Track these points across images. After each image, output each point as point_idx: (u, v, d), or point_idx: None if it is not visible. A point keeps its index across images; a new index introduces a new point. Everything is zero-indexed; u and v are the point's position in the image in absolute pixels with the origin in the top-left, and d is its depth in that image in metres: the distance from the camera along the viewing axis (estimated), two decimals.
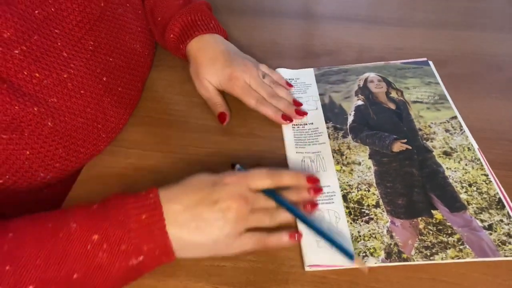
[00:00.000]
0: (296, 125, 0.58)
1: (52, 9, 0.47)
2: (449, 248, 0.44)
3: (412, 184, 0.50)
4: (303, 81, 0.65)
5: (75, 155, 0.50)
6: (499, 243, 0.45)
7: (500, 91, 0.63)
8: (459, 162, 0.52)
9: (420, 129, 0.56)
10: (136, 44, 0.60)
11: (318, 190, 0.48)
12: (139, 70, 0.61)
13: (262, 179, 0.45)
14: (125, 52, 0.58)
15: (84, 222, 0.39)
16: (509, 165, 0.53)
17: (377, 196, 0.49)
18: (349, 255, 0.43)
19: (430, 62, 0.66)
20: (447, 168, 0.52)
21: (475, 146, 0.54)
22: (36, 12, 0.45)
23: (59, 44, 0.47)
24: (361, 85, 0.63)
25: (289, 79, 0.64)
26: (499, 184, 0.50)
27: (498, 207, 0.48)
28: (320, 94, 0.62)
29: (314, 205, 0.47)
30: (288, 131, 0.57)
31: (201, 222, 0.41)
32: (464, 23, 0.76)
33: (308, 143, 0.56)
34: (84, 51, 0.50)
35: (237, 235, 0.42)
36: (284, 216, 0.46)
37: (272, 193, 0.46)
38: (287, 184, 0.47)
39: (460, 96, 0.61)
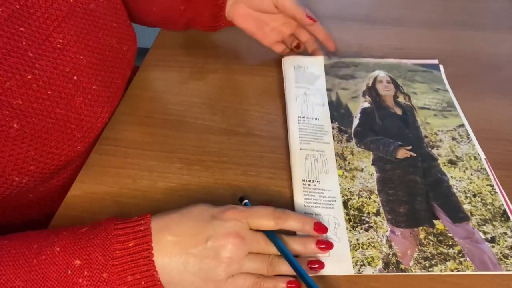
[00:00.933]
0: (302, 118, 0.57)
1: (17, 6, 0.43)
2: (449, 260, 0.44)
3: (415, 192, 0.49)
4: (312, 71, 0.63)
5: (50, 156, 0.48)
6: (501, 257, 0.44)
7: (500, 91, 0.63)
8: (464, 172, 0.51)
9: (426, 136, 0.55)
10: (112, 40, 0.57)
11: (329, 246, 0.43)
12: (117, 67, 0.58)
13: (265, 218, 0.41)
14: (98, 49, 0.54)
15: (68, 246, 0.37)
16: (509, 165, 0.53)
17: (378, 204, 0.48)
18: None
19: (441, 66, 0.65)
20: (451, 177, 0.51)
21: (482, 155, 0.53)
22: (0, 10, 0.42)
23: (23, 43, 0.44)
24: (370, 85, 0.62)
25: (297, 67, 0.63)
26: (505, 195, 0.49)
27: (503, 219, 0.47)
28: (327, 89, 0.61)
29: (321, 265, 0.42)
30: (293, 124, 0.56)
31: (191, 257, 0.38)
32: (464, 23, 0.76)
33: (313, 139, 0.55)
34: (52, 49, 0.47)
35: (229, 276, 0.39)
36: (284, 269, 0.41)
37: (274, 237, 0.42)
38: (291, 228, 0.43)
39: (460, 96, 0.61)
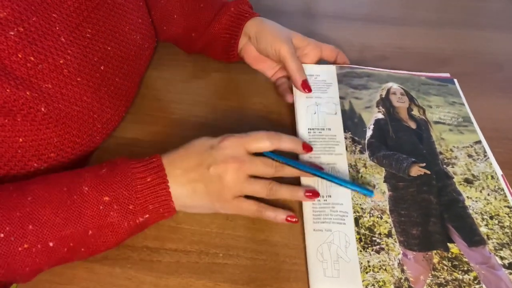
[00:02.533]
0: (312, 129, 0.55)
1: None
2: (464, 287, 0.42)
3: (428, 212, 0.47)
4: (324, 79, 0.61)
5: (70, 145, 0.50)
6: None
7: (502, 90, 0.64)
8: (481, 192, 0.49)
9: (441, 153, 0.53)
10: (137, 35, 0.59)
11: (315, 194, 0.48)
12: (137, 62, 0.60)
13: (260, 140, 0.46)
14: (124, 43, 0.57)
15: (95, 185, 0.42)
16: (511, 163, 0.53)
17: (390, 225, 0.47)
18: (369, 192, 0.47)
19: (455, 80, 0.63)
20: (467, 197, 0.49)
21: (499, 173, 0.51)
22: None
23: (57, 28, 0.46)
24: (383, 96, 0.60)
25: (308, 76, 0.60)
26: None
27: None
28: (340, 98, 0.59)
29: (315, 193, 0.48)
30: (303, 137, 0.54)
31: (198, 184, 0.44)
32: (465, 22, 0.76)
33: (323, 152, 0.53)
34: (82, 38, 0.49)
35: (234, 198, 0.45)
36: (282, 193, 0.47)
37: (273, 154, 0.47)
38: (285, 147, 0.48)
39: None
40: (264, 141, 0.46)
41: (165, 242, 0.47)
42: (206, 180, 0.44)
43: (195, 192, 0.44)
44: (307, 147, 0.49)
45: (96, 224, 0.42)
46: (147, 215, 0.43)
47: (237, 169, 0.44)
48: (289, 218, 0.46)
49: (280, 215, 0.46)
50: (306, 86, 0.58)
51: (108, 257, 0.46)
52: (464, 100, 0.60)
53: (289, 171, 0.48)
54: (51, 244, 0.41)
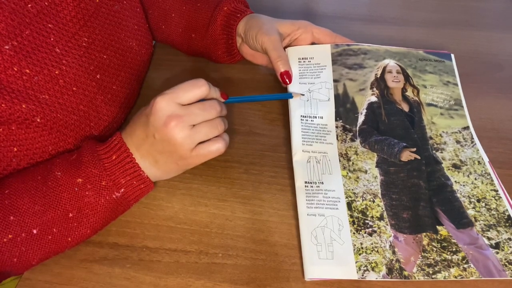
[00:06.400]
0: (305, 117, 0.56)
1: (46, 3, 0.45)
2: (453, 266, 0.43)
3: (418, 197, 0.49)
4: (318, 62, 0.60)
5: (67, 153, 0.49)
6: (506, 263, 0.44)
7: (502, 90, 0.63)
8: (468, 176, 0.51)
9: (431, 138, 0.54)
10: (133, 42, 0.59)
11: (224, 96, 0.50)
12: (135, 69, 0.60)
13: (190, 90, 0.45)
14: (120, 50, 0.56)
15: (67, 170, 0.44)
16: (510, 164, 0.54)
17: (382, 208, 0.48)
18: (288, 95, 0.56)
19: (452, 56, 0.62)
20: (455, 181, 0.50)
21: (486, 159, 0.52)
22: (29, 6, 0.44)
23: (52, 39, 0.46)
24: (378, 76, 0.59)
25: (302, 59, 0.60)
26: (510, 200, 0.49)
27: (507, 224, 0.47)
28: (334, 81, 0.59)
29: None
30: (296, 124, 0.55)
31: (154, 154, 0.45)
32: (465, 22, 0.76)
33: (315, 140, 0.54)
34: (78, 47, 0.49)
35: (191, 150, 0.45)
36: (226, 124, 0.48)
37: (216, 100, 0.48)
38: (212, 94, 0.48)
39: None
40: (193, 90, 0.45)
41: (165, 242, 0.47)
42: (158, 147, 0.45)
43: (157, 161, 0.46)
44: (223, 95, 0.50)
45: (75, 205, 0.43)
46: (122, 189, 0.45)
47: (178, 125, 0.43)
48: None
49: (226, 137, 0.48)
50: (286, 77, 0.57)
51: (107, 257, 0.46)
52: (458, 79, 0.60)
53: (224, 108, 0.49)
54: (34, 231, 0.42)
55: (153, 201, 0.51)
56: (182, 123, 0.43)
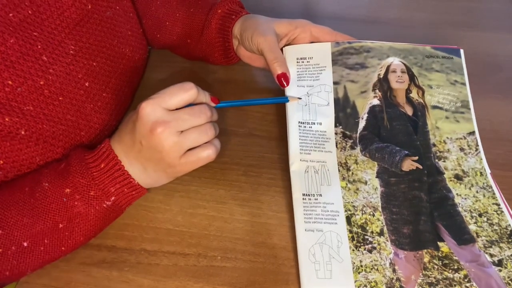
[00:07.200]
0: (303, 123, 0.53)
1: (29, 12, 0.44)
2: (455, 285, 0.42)
3: (419, 210, 0.47)
4: (317, 62, 0.57)
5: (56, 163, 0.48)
6: (509, 281, 0.43)
7: (501, 91, 0.63)
8: (470, 188, 0.49)
9: (434, 145, 0.52)
10: (126, 48, 0.57)
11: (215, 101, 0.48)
12: (127, 75, 0.58)
13: (176, 94, 0.43)
14: (111, 57, 0.54)
15: (54, 180, 0.43)
16: (510, 165, 0.54)
17: (382, 223, 0.47)
18: (284, 99, 0.54)
19: (461, 51, 0.59)
20: (457, 194, 0.49)
21: (488, 170, 0.51)
22: (11, 15, 0.42)
23: (39, 47, 0.44)
24: (382, 76, 0.56)
25: (300, 59, 0.57)
26: None
27: (510, 240, 0.45)
28: (334, 83, 0.56)
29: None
30: (293, 131, 0.53)
31: (142, 161, 0.44)
32: (464, 23, 0.76)
33: (314, 148, 0.52)
34: (65, 55, 0.47)
35: (180, 157, 0.43)
36: (217, 129, 0.46)
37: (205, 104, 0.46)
38: (201, 98, 0.46)
39: None
40: (180, 94, 0.43)
41: (163, 245, 0.47)
42: (145, 155, 0.43)
43: (145, 168, 0.44)
44: (214, 99, 0.47)
45: (65, 216, 0.43)
46: (113, 197, 0.44)
47: (164, 131, 0.41)
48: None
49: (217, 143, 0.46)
50: (284, 79, 0.54)
51: (105, 260, 0.46)
52: (466, 78, 0.57)
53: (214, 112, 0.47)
54: (25, 244, 0.41)
55: (151, 204, 0.51)
56: (169, 129, 0.41)
